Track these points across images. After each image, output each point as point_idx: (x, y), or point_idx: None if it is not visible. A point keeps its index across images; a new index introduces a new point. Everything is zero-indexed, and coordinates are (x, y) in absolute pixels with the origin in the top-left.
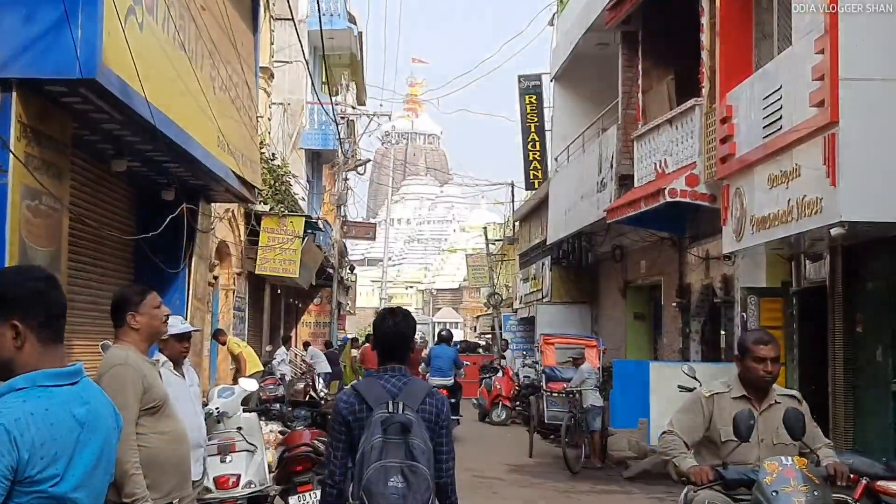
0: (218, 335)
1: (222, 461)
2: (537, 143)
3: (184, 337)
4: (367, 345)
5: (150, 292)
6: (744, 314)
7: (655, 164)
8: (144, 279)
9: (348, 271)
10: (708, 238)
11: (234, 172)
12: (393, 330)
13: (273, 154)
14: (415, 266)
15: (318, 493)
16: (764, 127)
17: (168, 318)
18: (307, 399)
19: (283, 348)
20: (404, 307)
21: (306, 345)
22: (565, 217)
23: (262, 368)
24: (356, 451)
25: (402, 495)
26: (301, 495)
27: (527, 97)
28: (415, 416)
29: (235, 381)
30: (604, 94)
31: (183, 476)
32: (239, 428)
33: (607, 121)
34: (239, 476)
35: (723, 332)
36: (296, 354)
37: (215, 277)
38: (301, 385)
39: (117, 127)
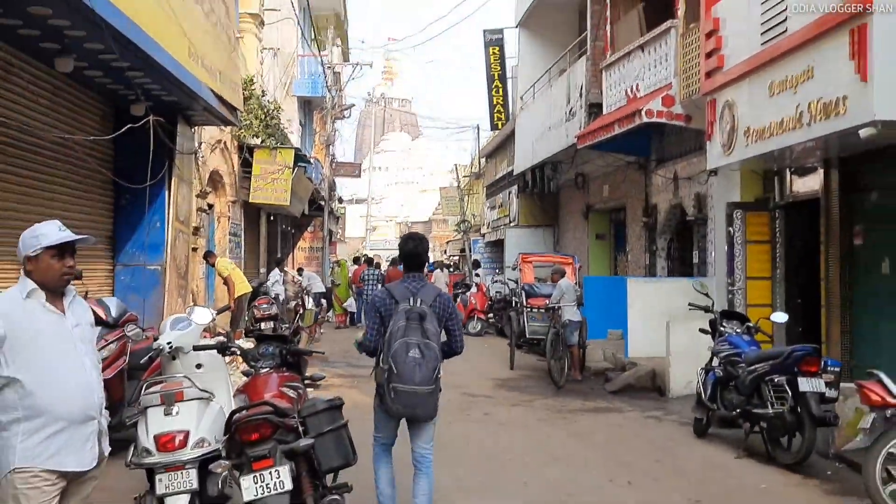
0: (208, 256)
1: (167, 413)
2: (500, 90)
3: (65, 251)
4: (392, 267)
5: None
6: (730, 229)
7: (626, 90)
8: (123, 200)
9: (337, 203)
10: (676, 159)
11: (211, 91)
12: (413, 249)
13: (264, 90)
14: (394, 203)
15: (285, 469)
16: (763, 33)
17: None
18: (297, 316)
19: (276, 270)
20: (418, 233)
21: (300, 270)
22: (532, 148)
23: (250, 290)
24: (386, 331)
25: (418, 363)
26: (258, 474)
27: (491, 49)
28: (429, 309)
29: (230, 305)
30: (568, 37)
31: None
32: (199, 365)
33: (573, 57)
34: (187, 433)
35: (696, 250)
36: (292, 277)
37: (210, 205)
38: (292, 304)
39: (48, 11)
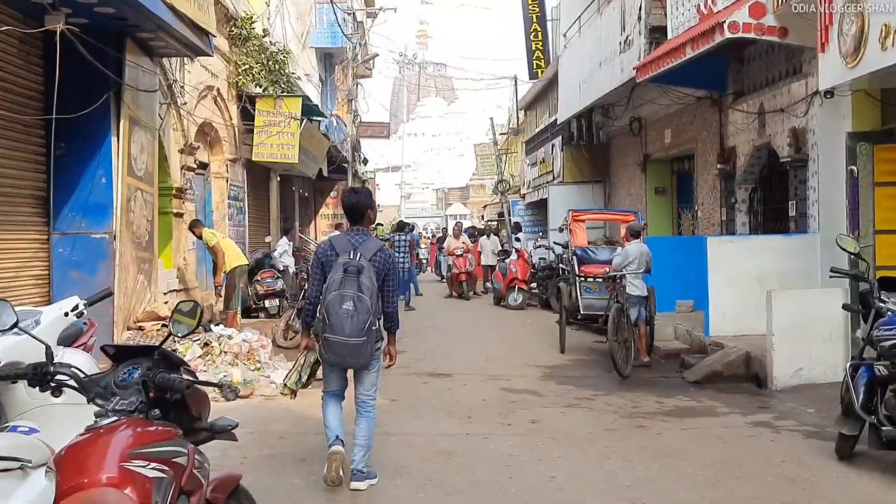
0: (193, 226)
1: None
2: (539, 34)
3: None
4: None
5: None
6: (853, 168)
7: (699, 4)
8: (58, 149)
9: (362, 165)
10: (762, 89)
11: (166, 4)
12: (353, 202)
13: (266, 31)
14: (430, 170)
15: None
16: None
17: None
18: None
19: (284, 239)
20: (363, 186)
21: (338, 226)
22: (579, 91)
23: (245, 262)
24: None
25: (350, 315)
26: None
27: None
28: (367, 263)
29: (223, 279)
30: None
31: None
32: (58, 392)
33: None
34: None
35: (792, 200)
36: (316, 247)
37: (204, 165)
38: (298, 278)
39: None
